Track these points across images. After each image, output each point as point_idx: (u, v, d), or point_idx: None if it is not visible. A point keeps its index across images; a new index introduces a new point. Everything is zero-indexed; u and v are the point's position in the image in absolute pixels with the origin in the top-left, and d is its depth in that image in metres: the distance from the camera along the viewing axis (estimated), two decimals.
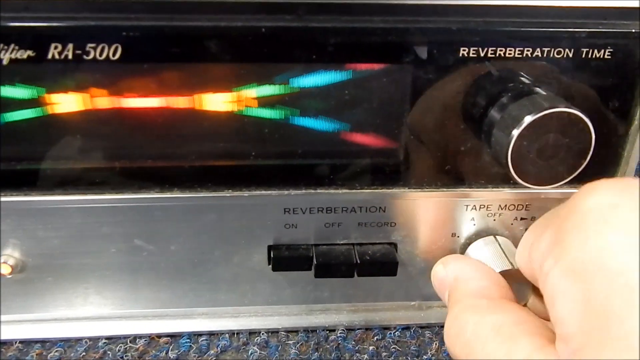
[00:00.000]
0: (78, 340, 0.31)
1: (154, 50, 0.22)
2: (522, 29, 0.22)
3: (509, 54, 0.22)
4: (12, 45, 0.21)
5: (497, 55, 0.22)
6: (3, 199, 0.25)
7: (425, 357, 0.30)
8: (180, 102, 0.25)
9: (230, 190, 0.27)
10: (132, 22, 0.21)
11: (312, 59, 0.23)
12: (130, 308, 0.31)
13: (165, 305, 0.31)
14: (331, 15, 0.22)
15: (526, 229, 0.29)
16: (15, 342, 0.30)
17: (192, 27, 0.21)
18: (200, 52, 0.22)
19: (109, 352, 0.30)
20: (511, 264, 0.27)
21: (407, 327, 0.33)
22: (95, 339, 0.31)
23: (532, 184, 0.23)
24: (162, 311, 0.32)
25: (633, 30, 0.22)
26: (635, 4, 0.22)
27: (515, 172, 0.23)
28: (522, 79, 0.23)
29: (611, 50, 0.23)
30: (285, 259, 0.29)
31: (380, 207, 0.28)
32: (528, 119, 0.21)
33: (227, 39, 0.22)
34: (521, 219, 0.29)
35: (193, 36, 0.22)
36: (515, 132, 0.22)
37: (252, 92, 0.25)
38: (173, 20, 0.21)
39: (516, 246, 0.29)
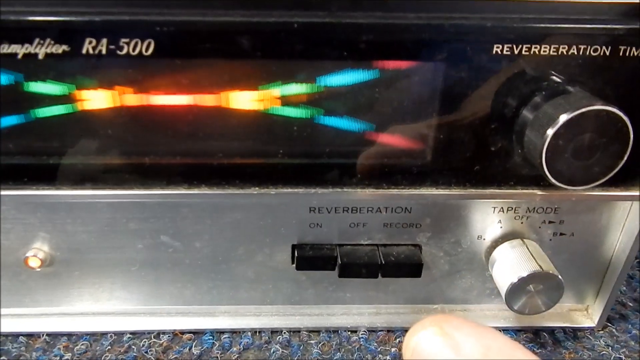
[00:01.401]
0: (103, 334, 0.31)
1: (186, 45, 0.22)
2: (558, 26, 0.22)
3: (544, 51, 0.22)
4: (47, 40, 0.22)
5: (532, 52, 0.22)
6: (34, 192, 0.25)
7: None
8: (208, 99, 0.25)
9: (257, 188, 0.27)
10: (165, 17, 0.21)
11: (344, 56, 0.23)
12: (154, 304, 0.31)
13: (188, 302, 0.32)
14: (364, 11, 0.22)
15: (554, 233, 0.29)
16: (43, 335, 0.31)
17: (225, 23, 0.21)
18: (232, 48, 0.22)
19: (133, 347, 0.30)
20: (539, 266, 0.27)
21: None
22: (120, 334, 0.31)
23: (566, 185, 0.23)
24: (185, 308, 0.32)
25: None
26: None
27: (549, 173, 0.22)
28: (557, 77, 0.23)
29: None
30: (309, 258, 0.29)
31: (406, 208, 0.28)
32: (564, 118, 0.21)
33: (260, 35, 0.22)
34: (549, 222, 0.29)
35: (226, 32, 0.22)
36: (550, 132, 0.21)
37: (279, 91, 0.25)
38: (206, 15, 0.22)
39: (543, 250, 0.29)
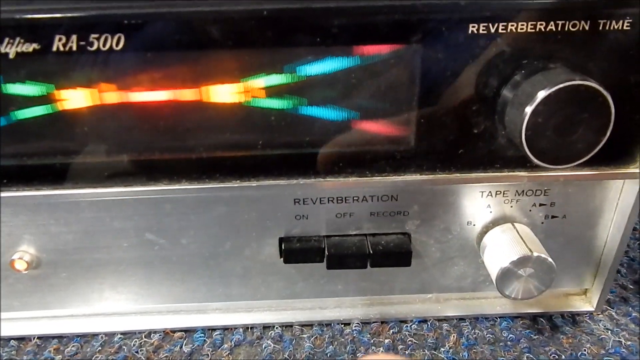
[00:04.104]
0: (94, 335, 0.31)
1: (156, 38, 0.22)
2: (534, 2, 0.21)
3: (521, 28, 0.21)
4: (17, 39, 0.22)
5: (509, 30, 0.21)
6: (15, 194, 0.25)
7: (443, 349, 0.30)
8: (187, 94, 0.24)
9: (238, 181, 0.26)
10: (132, 10, 0.21)
11: (317, 42, 0.22)
12: (144, 303, 0.31)
13: (179, 300, 0.31)
14: None
15: (546, 216, 0.29)
16: (34, 338, 0.31)
17: (193, 13, 0.21)
18: (203, 39, 0.22)
19: (124, 347, 0.30)
20: (529, 249, 0.26)
21: (424, 320, 0.32)
22: (110, 334, 0.31)
23: (548, 164, 0.22)
24: (176, 306, 0.32)
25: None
26: None
27: (530, 152, 0.22)
28: (536, 54, 0.22)
29: (630, 20, 0.21)
30: (296, 250, 0.29)
31: (392, 196, 0.28)
32: (542, 94, 0.20)
33: (229, 24, 0.22)
34: (540, 204, 0.28)
35: (195, 22, 0.22)
36: (529, 109, 0.21)
37: (259, 82, 0.24)
38: (174, 6, 0.21)
39: (536, 234, 0.28)
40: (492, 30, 0.22)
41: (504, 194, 0.28)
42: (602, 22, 0.21)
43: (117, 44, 0.22)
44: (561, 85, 0.20)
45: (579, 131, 0.21)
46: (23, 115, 0.25)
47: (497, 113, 0.23)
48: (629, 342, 0.30)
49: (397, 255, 0.28)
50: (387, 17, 0.21)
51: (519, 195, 0.28)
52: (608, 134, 0.22)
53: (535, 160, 0.22)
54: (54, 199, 0.26)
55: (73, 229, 0.28)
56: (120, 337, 0.31)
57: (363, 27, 0.22)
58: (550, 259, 0.26)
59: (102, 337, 0.31)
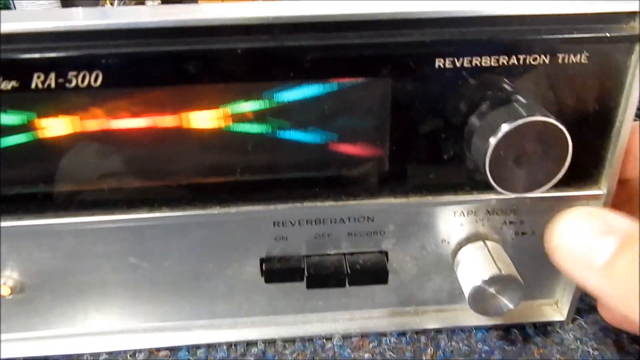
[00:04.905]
0: (79, 356, 0.31)
1: (133, 75, 0.23)
2: (496, 38, 0.22)
3: (485, 63, 0.22)
4: None
5: (474, 65, 0.22)
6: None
7: None
8: (165, 121, 0.25)
9: (218, 207, 0.27)
10: (110, 50, 0.22)
11: (291, 77, 0.23)
12: (130, 323, 0.32)
13: (163, 319, 0.32)
14: (306, 33, 0.22)
15: (516, 233, 0.30)
16: None
17: (168, 52, 0.22)
18: (179, 75, 0.23)
19: None
20: (499, 269, 0.27)
21: (402, 333, 0.33)
22: (96, 354, 0.31)
23: (511, 192, 0.23)
24: (161, 325, 0.32)
25: (607, 35, 0.22)
26: (608, 9, 0.22)
27: (494, 180, 0.23)
28: (501, 87, 0.23)
29: (587, 54, 0.22)
30: (276, 271, 0.30)
31: (368, 217, 0.29)
32: (505, 128, 0.21)
33: (205, 61, 0.22)
34: (510, 222, 0.29)
35: (170, 60, 0.22)
36: (493, 141, 0.22)
37: (235, 108, 0.25)
38: (150, 45, 0.22)
39: (507, 249, 0.30)
40: (458, 64, 0.23)
41: (475, 213, 0.29)
42: (561, 56, 0.23)
43: (95, 81, 0.23)
44: (521, 122, 0.21)
45: (538, 162, 0.22)
46: (3, 144, 0.25)
47: (465, 141, 0.24)
48: (596, 352, 0.31)
49: (374, 273, 0.29)
50: (357, 53, 0.22)
51: (489, 214, 0.29)
52: (567, 164, 0.23)
53: (498, 188, 0.23)
54: (35, 229, 0.26)
55: (56, 254, 0.28)
56: (105, 358, 0.31)
57: (334, 63, 0.22)
58: (519, 278, 0.27)
59: (87, 358, 0.31)
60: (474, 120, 0.23)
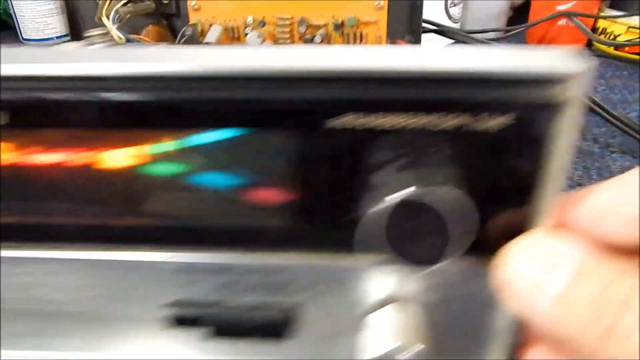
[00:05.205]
0: None
1: (42, 117, 0.22)
2: (395, 97, 0.20)
3: (381, 124, 0.21)
4: None
5: (371, 126, 0.21)
6: None
7: None
8: (74, 159, 0.24)
9: (120, 250, 0.26)
10: (17, 95, 0.21)
11: (183, 125, 0.22)
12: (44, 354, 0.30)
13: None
14: (198, 85, 0.21)
15: (431, 296, 0.28)
16: None
17: (62, 100, 0.21)
18: (71, 120, 0.22)
19: None
20: (407, 336, 0.26)
21: None
22: None
23: (414, 263, 0.22)
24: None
25: (529, 99, 0.20)
26: (520, 71, 0.20)
27: (394, 251, 0.21)
28: (407, 150, 0.22)
29: (502, 118, 0.21)
30: (179, 318, 0.28)
31: (275, 269, 0.27)
32: (406, 192, 0.20)
33: (96, 110, 0.21)
34: (428, 285, 0.28)
35: (66, 107, 0.21)
36: (391, 208, 0.21)
37: (140, 150, 0.24)
38: (53, 92, 0.21)
39: (424, 312, 0.28)
40: (350, 125, 0.21)
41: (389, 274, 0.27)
42: (472, 119, 0.21)
43: (2, 120, 0.21)
44: (425, 190, 0.20)
45: (439, 233, 0.21)
46: None
47: (367, 202, 0.23)
48: None
49: (279, 327, 0.28)
50: (245, 107, 0.21)
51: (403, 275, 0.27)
52: (475, 235, 0.22)
53: (399, 259, 0.22)
54: None
55: None
56: None
57: (224, 115, 0.21)
58: (424, 347, 0.26)
59: None
60: (375, 181, 0.22)
